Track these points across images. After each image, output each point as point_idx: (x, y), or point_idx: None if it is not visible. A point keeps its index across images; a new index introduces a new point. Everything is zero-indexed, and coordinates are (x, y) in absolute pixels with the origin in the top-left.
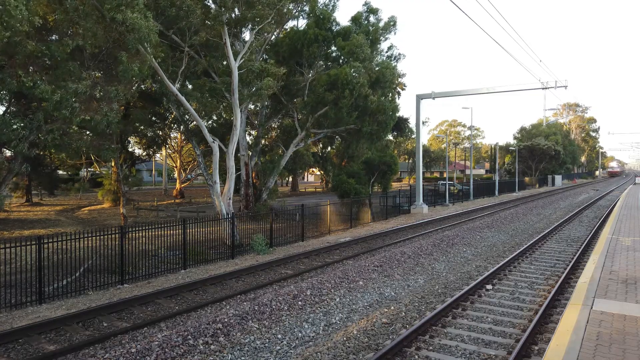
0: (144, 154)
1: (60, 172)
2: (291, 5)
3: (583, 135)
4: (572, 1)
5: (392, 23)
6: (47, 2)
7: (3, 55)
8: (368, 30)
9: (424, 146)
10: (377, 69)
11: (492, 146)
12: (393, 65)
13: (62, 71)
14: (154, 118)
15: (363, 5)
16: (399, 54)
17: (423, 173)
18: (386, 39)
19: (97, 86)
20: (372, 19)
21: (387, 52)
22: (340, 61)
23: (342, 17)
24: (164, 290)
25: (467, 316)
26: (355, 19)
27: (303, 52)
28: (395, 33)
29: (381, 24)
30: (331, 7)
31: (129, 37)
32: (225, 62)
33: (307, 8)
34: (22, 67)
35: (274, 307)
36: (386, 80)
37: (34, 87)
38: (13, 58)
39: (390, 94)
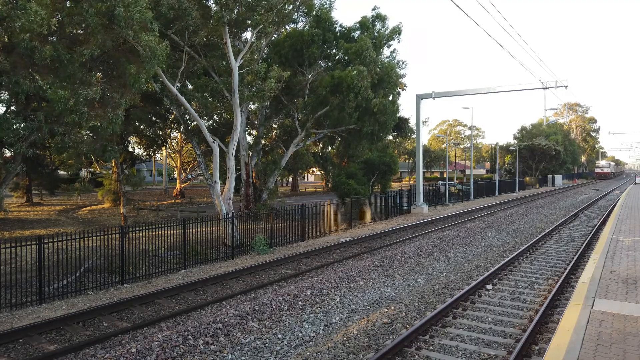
0: (144, 153)
1: (61, 172)
2: (290, 6)
3: (583, 135)
4: (572, 1)
5: (397, 31)
6: (53, 4)
7: (15, 56)
8: (374, 36)
9: (424, 146)
10: (379, 69)
11: (493, 146)
12: (396, 66)
13: (65, 73)
14: (154, 118)
15: (372, 10)
16: (402, 61)
17: (423, 173)
18: (390, 45)
19: (100, 89)
20: (378, 25)
21: (389, 57)
22: (344, 62)
23: (344, 19)
24: (165, 290)
25: (468, 316)
26: (362, 24)
27: (304, 52)
28: (399, 41)
29: (387, 31)
30: (328, 7)
31: (143, 53)
32: (225, 62)
33: (304, 9)
34: (25, 68)
35: (274, 307)
36: (390, 82)
37: (49, 88)
38: (23, 60)
39: (391, 95)
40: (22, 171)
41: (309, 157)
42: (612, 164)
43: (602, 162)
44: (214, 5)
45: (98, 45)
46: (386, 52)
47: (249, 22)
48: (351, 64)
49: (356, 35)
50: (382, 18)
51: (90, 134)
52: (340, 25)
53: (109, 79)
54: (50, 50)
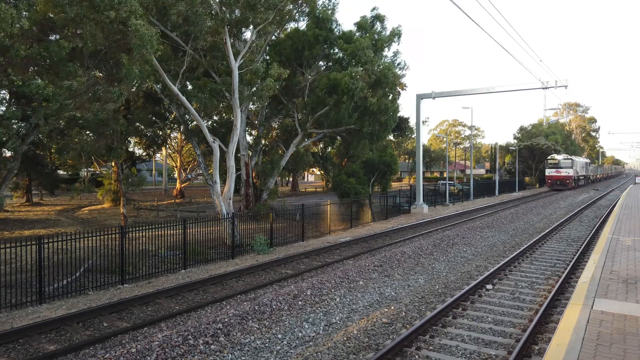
0: (144, 153)
1: (61, 172)
2: (291, 5)
3: (583, 135)
4: (572, 1)
5: (397, 34)
6: (46, 2)
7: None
8: (374, 38)
9: (424, 146)
10: (378, 69)
11: (492, 146)
12: (394, 66)
13: (63, 72)
14: (154, 118)
15: (371, 10)
16: (404, 62)
17: (423, 173)
18: (390, 47)
19: (96, 85)
20: (378, 26)
21: (391, 59)
22: (343, 63)
23: (345, 21)
24: (164, 290)
25: (468, 316)
26: (361, 25)
27: (304, 52)
28: (399, 44)
29: (386, 33)
30: (331, 9)
31: (133, 42)
32: (225, 62)
33: (307, 9)
34: (20, 67)
35: (274, 307)
36: (388, 82)
37: (23, 85)
38: (5, 59)
39: (391, 95)
40: (26, 172)
41: (309, 157)
42: (582, 161)
43: (558, 158)
44: (214, 5)
45: (89, 37)
46: (389, 54)
47: (250, 20)
48: (349, 64)
49: (356, 37)
50: (381, 19)
51: (89, 133)
52: (339, 25)
53: (107, 75)
54: (25, 50)
